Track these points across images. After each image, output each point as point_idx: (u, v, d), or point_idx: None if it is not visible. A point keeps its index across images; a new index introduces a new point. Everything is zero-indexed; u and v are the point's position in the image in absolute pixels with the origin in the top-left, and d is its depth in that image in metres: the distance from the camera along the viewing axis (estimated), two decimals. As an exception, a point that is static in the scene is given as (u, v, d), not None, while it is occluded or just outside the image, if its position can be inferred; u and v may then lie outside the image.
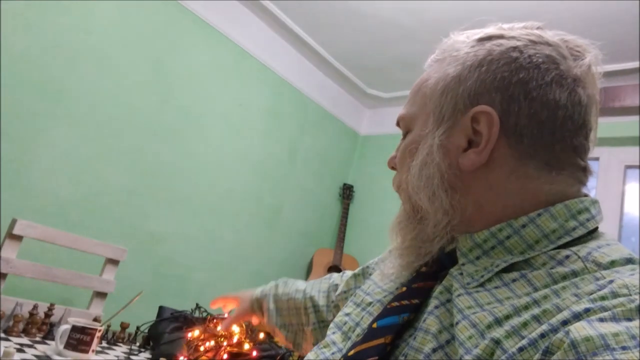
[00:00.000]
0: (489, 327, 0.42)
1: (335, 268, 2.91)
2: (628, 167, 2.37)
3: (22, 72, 1.78)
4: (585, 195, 0.52)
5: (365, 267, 0.81)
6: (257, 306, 1.00)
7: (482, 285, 0.47)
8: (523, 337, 0.39)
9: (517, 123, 0.50)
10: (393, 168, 0.65)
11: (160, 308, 1.47)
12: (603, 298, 0.38)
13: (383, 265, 0.69)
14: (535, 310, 0.41)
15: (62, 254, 1.73)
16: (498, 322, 0.42)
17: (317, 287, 0.93)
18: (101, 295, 1.50)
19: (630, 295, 0.37)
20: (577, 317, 0.37)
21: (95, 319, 1.32)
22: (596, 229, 0.50)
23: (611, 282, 0.40)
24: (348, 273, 0.88)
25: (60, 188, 1.89)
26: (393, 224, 0.61)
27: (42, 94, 1.84)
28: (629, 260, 0.43)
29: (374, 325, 0.53)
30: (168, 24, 2.25)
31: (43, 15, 1.82)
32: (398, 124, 0.63)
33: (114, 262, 1.54)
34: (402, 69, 2.89)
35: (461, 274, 0.50)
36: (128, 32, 2.10)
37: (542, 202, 0.50)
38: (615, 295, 0.38)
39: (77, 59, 1.93)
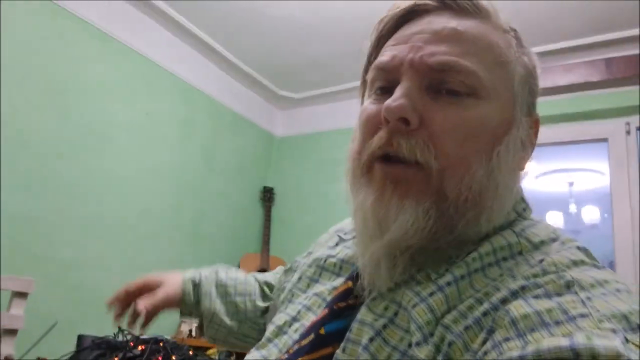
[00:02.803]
0: (443, 314, 0.44)
1: (263, 272, 2.89)
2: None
3: None
4: None
5: (293, 262, 0.77)
6: (189, 290, 0.80)
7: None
8: (467, 318, 0.42)
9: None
10: (402, 120, 0.47)
11: (80, 337, 1.37)
12: (535, 275, 0.42)
13: (317, 246, 0.68)
14: (477, 294, 0.44)
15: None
16: (449, 309, 0.44)
17: (269, 276, 0.87)
18: (10, 332, 1.37)
19: (558, 272, 0.41)
20: (515, 294, 0.41)
21: (7, 359, 1.21)
22: None
23: (541, 261, 0.44)
24: (281, 269, 0.84)
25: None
26: (404, 220, 0.47)
27: None
28: (554, 240, 0.48)
29: (322, 331, 0.50)
30: (60, 35, 2.10)
31: None
32: (438, 71, 0.48)
33: (21, 294, 1.42)
34: (312, 69, 2.94)
35: (419, 270, 0.49)
36: (16, 47, 1.93)
37: None
38: (545, 272, 0.42)
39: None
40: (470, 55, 0.48)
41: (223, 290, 0.81)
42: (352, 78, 2.83)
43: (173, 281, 0.80)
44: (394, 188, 0.48)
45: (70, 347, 1.37)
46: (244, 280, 0.84)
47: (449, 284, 0.45)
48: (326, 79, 3.05)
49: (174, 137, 2.64)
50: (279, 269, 0.89)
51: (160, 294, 0.77)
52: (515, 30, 0.54)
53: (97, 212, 2.20)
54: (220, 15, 2.46)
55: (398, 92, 0.48)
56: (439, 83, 0.48)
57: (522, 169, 0.53)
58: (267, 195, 3.23)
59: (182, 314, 0.83)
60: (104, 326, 2.04)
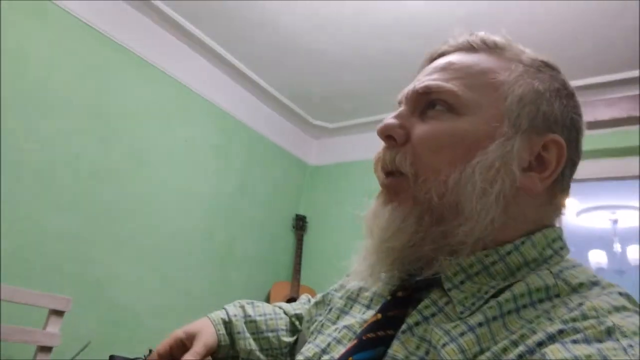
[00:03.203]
0: (475, 355, 0.43)
1: (293, 300, 2.87)
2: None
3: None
4: (552, 225, 0.55)
5: (325, 294, 0.76)
6: (224, 332, 0.79)
7: (473, 313, 0.47)
8: None
9: (567, 165, 0.53)
10: (389, 138, 0.55)
11: (111, 357, 1.39)
12: (574, 320, 0.40)
13: (348, 279, 0.67)
14: (512, 336, 0.42)
15: (2, 308, 1.61)
16: (482, 350, 0.43)
17: (297, 307, 0.87)
18: (46, 349, 1.40)
19: (599, 317, 0.40)
20: (551, 338, 0.39)
21: (40, 376, 1.24)
22: None
23: (580, 305, 0.42)
24: (311, 300, 0.84)
25: (-4, 239, 1.77)
26: (387, 219, 0.53)
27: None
28: (595, 284, 0.47)
29: None
30: (106, 63, 2.21)
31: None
32: (423, 94, 0.55)
33: (58, 313, 1.46)
34: (345, 100, 2.98)
35: (447, 303, 0.50)
36: (65, 72, 2.04)
37: (530, 230, 0.52)
38: (585, 317, 0.40)
39: (11, 100, 1.85)
40: (454, 79, 0.54)
41: (254, 326, 0.80)
42: (384, 109, 2.84)
43: (205, 329, 0.78)
44: (383, 196, 0.56)
45: (101, 367, 1.39)
46: (274, 315, 0.84)
47: (480, 324, 0.45)
48: (359, 110, 3.08)
49: (209, 163, 2.71)
50: (305, 297, 0.89)
51: (199, 347, 0.75)
52: (538, 60, 0.57)
53: (132, 234, 2.25)
54: (258, 45, 2.54)
55: (390, 115, 0.57)
56: (427, 105, 0.55)
57: (534, 190, 0.51)
58: (299, 224, 3.23)
59: (219, 357, 0.80)
60: (135, 347, 2.08)
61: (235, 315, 0.81)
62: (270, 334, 0.80)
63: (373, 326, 0.53)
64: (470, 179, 0.49)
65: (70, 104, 2.06)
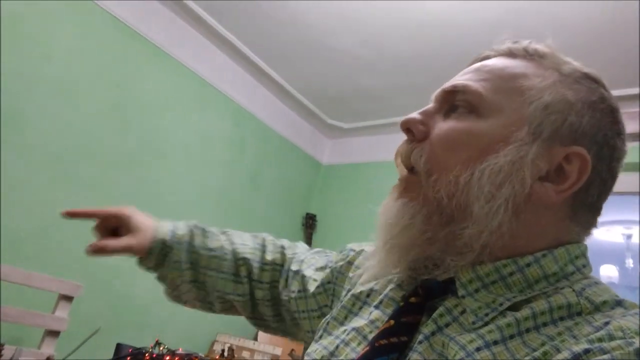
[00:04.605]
0: None
1: (299, 298, 2.88)
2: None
3: (-27, 101, 1.72)
4: (578, 242, 0.53)
5: (348, 260, 0.73)
6: (156, 252, 0.77)
7: (486, 323, 0.47)
8: None
9: (592, 181, 0.51)
10: (408, 131, 0.56)
11: (118, 346, 1.41)
12: (600, 340, 0.39)
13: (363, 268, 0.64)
14: (534, 354, 0.41)
15: (12, 290, 1.64)
16: None
17: (273, 249, 0.83)
18: (53, 333, 1.43)
19: (626, 338, 0.38)
20: (577, 358, 0.38)
21: (48, 359, 1.26)
22: None
23: (606, 324, 0.41)
24: (334, 258, 0.78)
25: (12, 220, 1.80)
26: (395, 215, 0.53)
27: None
28: (619, 303, 0.45)
29: None
30: (128, 54, 2.23)
31: (3, 43, 1.78)
32: (450, 93, 0.56)
33: (67, 298, 1.48)
34: (362, 101, 2.97)
35: (462, 312, 0.49)
36: (87, 61, 2.07)
37: (552, 245, 0.50)
38: (612, 337, 0.39)
39: (35, 86, 1.88)
40: (482, 81, 0.54)
41: (195, 258, 0.78)
42: (401, 112, 2.82)
43: (144, 233, 0.76)
44: (396, 190, 0.56)
45: (108, 354, 1.41)
46: (221, 253, 0.79)
47: (496, 342, 0.44)
48: (375, 111, 3.07)
49: (223, 157, 2.72)
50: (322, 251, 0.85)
51: (124, 242, 0.73)
52: (580, 71, 0.55)
53: (145, 225, 2.27)
54: (278, 42, 2.55)
55: (418, 111, 0.56)
56: (452, 105, 0.55)
57: (546, 200, 0.49)
58: (309, 222, 3.24)
59: (140, 266, 0.80)
60: (142, 335, 2.10)
61: (179, 241, 0.77)
62: (210, 272, 0.78)
63: (386, 332, 0.52)
64: (479, 181, 0.49)
65: (92, 93, 2.08)
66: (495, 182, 0.48)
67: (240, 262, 0.80)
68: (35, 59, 1.89)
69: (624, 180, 2.39)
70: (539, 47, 0.57)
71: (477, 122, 0.52)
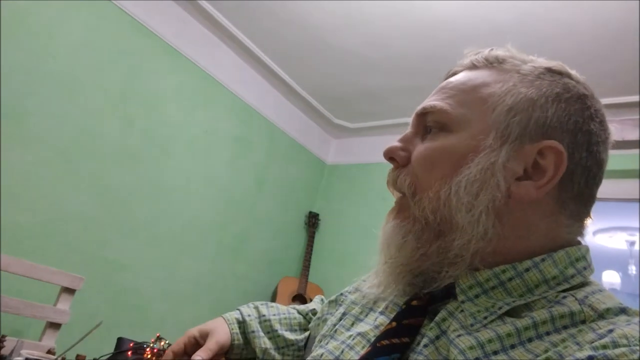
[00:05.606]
0: None
1: (299, 297, 2.89)
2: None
3: (-20, 93, 1.73)
4: (579, 243, 0.53)
5: (339, 294, 0.77)
6: (237, 331, 0.79)
7: (484, 326, 0.47)
8: None
9: (574, 171, 0.51)
10: (392, 160, 0.59)
11: (119, 339, 1.41)
12: (605, 347, 0.39)
13: (364, 284, 0.66)
14: (539, 359, 0.41)
15: (15, 282, 1.65)
16: None
17: (311, 305, 0.88)
18: (54, 326, 1.43)
19: (630, 345, 0.38)
20: None
21: (49, 352, 1.26)
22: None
23: (610, 331, 0.41)
24: (324, 300, 0.84)
25: (16, 213, 1.81)
26: (390, 235, 0.56)
27: (1, 116, 1.78)
28: (623, 310, 0.45)
29: None
30: (134, 48, 2.24)
31: (7, 37, 1.79)
32: (421, 115, 0.58)
33: (69, 291, 1.48)
34: (368, 101, 2.96)
35: (461, 311, 0.50)
36: (93, 56, 2.07)
37: (551, 247, 0.50)
38: (616, 345, 0.39)
39: (40, 81, 1.89)
40: (447, 98, 0.56)
41: (268, 325, 0.81)
42: (407, 113, 2.83)
43: (219, 328, 0.78)
44: (391, 212, 0.59)
45: (109, 347, 1.41)
46: (287, 314, 0.85)
47: (495, 353, 0.44)
48: (381, 112, 3.06)
49: (228, 155, 2.73)
50: (318, 298, 0.89)
51: (212, 344, 0.75)
52: (541, 67, 0.56)
53: (148, 219, 2.28)
54: (287, 41, 2.55)
55: (397, 138, 0.60)
56: (425, 126, 0.58)
57: (527, 198, 0.50)
58: (312, 221, 3.24)
59: (232, 357, 0.80)
60: (143, 330, 2.10)
61: (249, 315, 0.81)
62: (285, 332, 0.81)
63: (388, 333, 0.53)
64: (457, 193, 0.51)
65: (98, 87, 2.09)
66: (472, 192, 0.50)
67: (308, 315, 0.86)
68: (39, 53, 1.90)
69: (628, 187, 2.39)
70: (499, 52, 0.59)
71: (448, 138, 0.54)
